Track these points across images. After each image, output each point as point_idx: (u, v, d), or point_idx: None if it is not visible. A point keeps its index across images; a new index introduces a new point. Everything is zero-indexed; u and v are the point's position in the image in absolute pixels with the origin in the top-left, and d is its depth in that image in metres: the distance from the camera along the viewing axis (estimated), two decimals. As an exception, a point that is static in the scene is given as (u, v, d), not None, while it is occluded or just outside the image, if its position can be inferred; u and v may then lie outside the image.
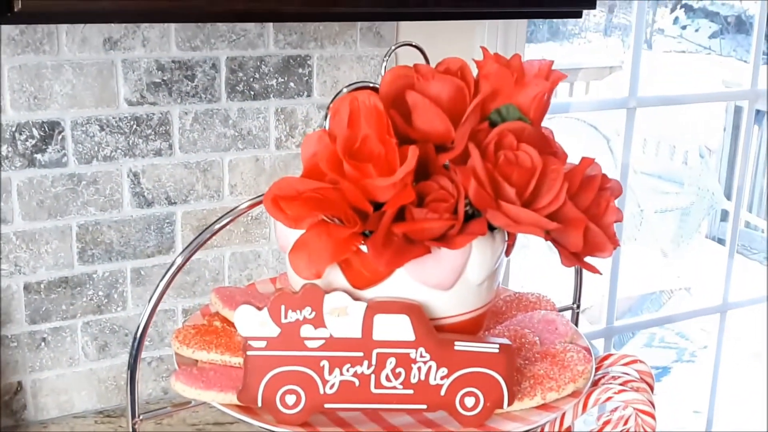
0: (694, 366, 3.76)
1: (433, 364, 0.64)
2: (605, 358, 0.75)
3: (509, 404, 0.65)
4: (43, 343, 1.12)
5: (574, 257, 0.66)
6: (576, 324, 0.87)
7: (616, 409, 0.75)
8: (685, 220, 4.31)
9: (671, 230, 4.20)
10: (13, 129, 1.04)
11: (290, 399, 0.64)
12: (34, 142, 1.05)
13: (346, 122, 0.62)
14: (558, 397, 0.68)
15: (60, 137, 1.06)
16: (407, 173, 0.59)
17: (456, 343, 0.64)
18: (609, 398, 0.70)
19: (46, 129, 1.06)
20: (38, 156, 1.06)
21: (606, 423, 0.75)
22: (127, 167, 1.11)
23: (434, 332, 0.64)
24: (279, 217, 0.62)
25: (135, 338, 0.66)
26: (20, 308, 1.10)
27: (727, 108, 4.39)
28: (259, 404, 0.63)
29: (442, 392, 0.64)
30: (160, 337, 1.19)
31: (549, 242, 0.63)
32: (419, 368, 0.64)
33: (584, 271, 0.86)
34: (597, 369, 0.75)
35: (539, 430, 0.74)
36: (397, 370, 0.64)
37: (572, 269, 0.86)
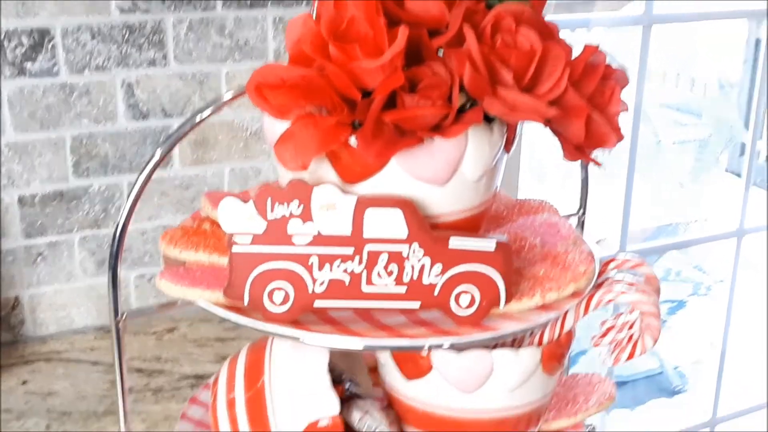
0: (710, 299, 3.74)
1: (427, 261, 0.61)
2: (609, 261, 0.72)
3: (506, 303, 0.62)
4: (39, 258, 1.10)
5: (576, 151, 0.62)
6: (581, 232, 0.84)
7: (620, 314, 0.72)
8: (703, 152, 4.25)
9: (689, 162, 4.14)
10: (2, 37, 1.01)
11: (278, 296, 0.61)
12: (23, 50, 1.02)
13: (333, 4, 0.58)
14: (558, 297, 0.65)
15: (50, 45, 1.03)
16: (396, 54, 0.55)
17: (451, 239, 0.61)
18: (612, 299, 0.67)
19: (36, 37, 1.02)
20: (28, 65, 1.03)
21: (610, 329, 0.72)
22: (120, 78, 1.08)
23: (428, 228, 0.61)
24: (263, 106, 0.59)
25: (114, 236, 0.64)
26: (15, 222, 1.08)
27: (748, 40, 4.31)
28: (246, 302, 0.61)
29: (436, 291, 0.62)
30: (159, 254, 1.17)
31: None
32: (412, 266, 0.61)
33: (590, 176, 0.82)
34: (601, 272, 0.72)
35: (540, 333, 0.71)
36: (389, 267, 0.61)
37: (578, 177, 0.83)
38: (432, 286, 0.62)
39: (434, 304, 0.62)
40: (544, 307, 0.65)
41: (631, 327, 0.71)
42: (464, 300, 0.62)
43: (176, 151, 1.13)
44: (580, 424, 0.78)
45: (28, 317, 1.12)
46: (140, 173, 0.62)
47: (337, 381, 0.73)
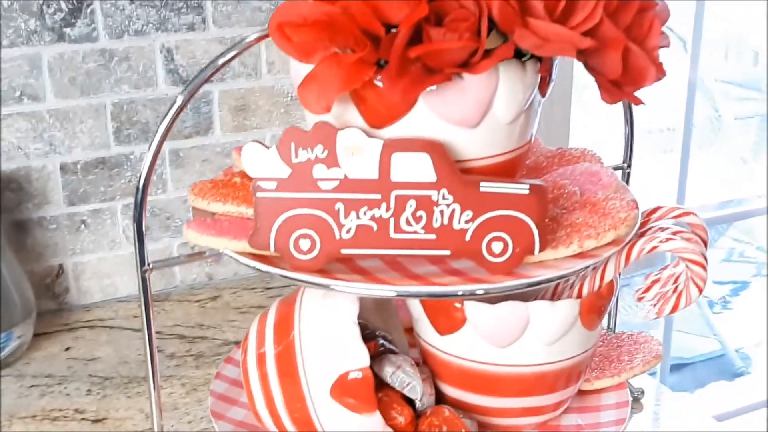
0: (774, 280, 3.64)
1: (457, 207, 0.59)
2: (653, 211, 0.69)
3: (541, 250, 0.60)
4: (82, 226, 1.11)
5: (614, 88, 0.59)
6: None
7: (666, 267, 0.69)
8: (765, 127, 4.13)
9: (751, 138, 4.03)
10: (41, 2, 1.00)
11: (304, 244, 0.59)
12: (62, 15, 1.02)
13: (356, -62, 0.56)
14: (597, 245, 0.62)
15: (89, 10, 1.03)
16: (420, -15, 0.53)
17: (482, 183, 0.59)
18: (654, 247, 0.64)
19: (75, 2, 1.02)
20: (67, 30, 1.02)
21: (654, 282, 0.69)
22: (159, 42, 1.07)
23: (458, 172, 0.59)
24: (286, 46, 0.57)
25: (138, 188, 0.63)
26: (57, 189, 1.08)
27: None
28: (272, 250, 0.59)
29: (467, 237, 0.59)
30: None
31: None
32: (441, 212, 0.59)
33: (635, 127, 0.79)
34: (644, 223, 0.68)
35: (579, 285, 0.68)
36: (418, 213, 0.59)
37: (622, 128, 0.80)
38: (462, 233, 0.59)
39: (465, 251, 0.60)
40: (581, 256, 0.62)
41: (676, 280, 0.68)
42: (496, 247, 0.60)
43: (216, 118, 1.13)
44: (624, 384, 0.75)
45: (73, 285, 1.13)
46: (163, 118, 0.61)
47: (370, 337, 0.72)
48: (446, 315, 0.66)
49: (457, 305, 0.65)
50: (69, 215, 1.10)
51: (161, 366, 1.00)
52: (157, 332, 1.07)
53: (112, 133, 1.09)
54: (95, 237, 1.12)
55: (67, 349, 1.03)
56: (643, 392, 0.89)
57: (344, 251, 0.60)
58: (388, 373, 0.67)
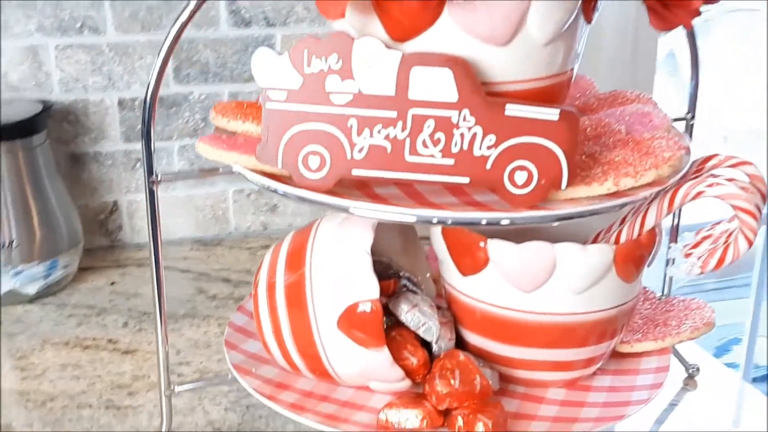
0: None
1: (479, 130, 0.54)
2: (708, 158, 0.63)
3: (569, 184, 0.55)
4: (138, 164, 1.10)
5: (665, 11, 0.54)
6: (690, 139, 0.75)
7: (719, 222, 0.63)
8: None
9: None
10: (105, -68, 1.00)
11: (314, 162, 0.56)
12: (126, -53, 1.01)
13: None
14: (635, 184, 0.56)
15: (153, -56, 1.02)
16: None
17: (507, 106, 0.54)
18: (700, 192, 0.58)
19: (139, -66, 1.01)
20: (130, -37, 1.01)
21: (706, 238, 0.62)
22: (222, -20, 1.05)
23: (482, 92, 0.54)
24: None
25: (146, 96, 0.60)
26: (115, 125, 1.08)
27: None
28: (280, 165, 0.56)
29: (488, 165, 0.55)
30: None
31: None
32: (462, 135, 0.55)
33: (700, 75, 0.72)
34: (697, 171, 0.62)
35: (617, 232, 0.63)
36: (436, 135, 0.55)
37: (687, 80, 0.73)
38: (483, 160, 0.55)
39: (485, 180, 0.55)
40: (617, 195, 0.56)
41: (729, 237, 0.62)
42: (520, 177, 0.55)
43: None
44: (668, 350, 0.69)
45: (126, 223, 1.12)
46: (174, 23, 0.59)
47: (392, 275, 0.68)
48: (469, 254, 0.62)
49: (481, 244, 0.61)
50: (125, 152, 1.09)
51: (202, 306, 0.98)
52: (203, 273, 1.06)
53: (171, 71, 1.07)
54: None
55: (112, 283, 1.03)
56: (698, 369, 0.83)
57: (355, 172, 0.56)
58: (403, 310, 0.63)
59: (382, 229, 0.70)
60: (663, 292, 0.79)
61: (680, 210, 0.76)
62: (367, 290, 0.59)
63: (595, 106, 0.69)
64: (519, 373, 0.65)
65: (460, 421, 0.59)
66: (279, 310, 0.62)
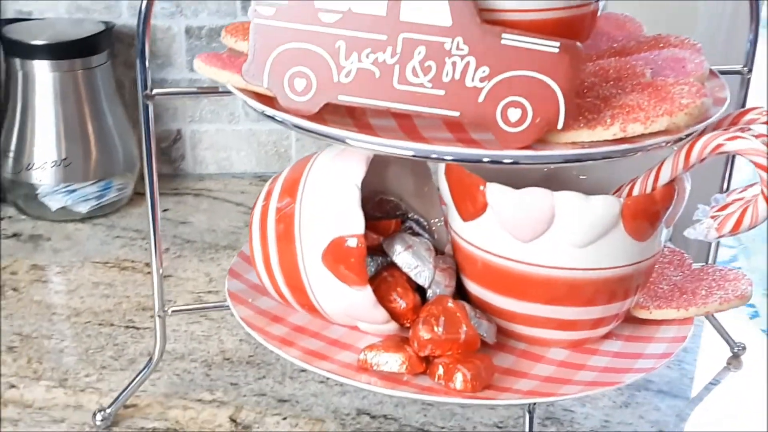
0: None
1: (472, 60, 0.50)
2: (745, 112, 0.57)
3: (569, 125, 0.50)
4: (203, 94, 1.10)
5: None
6: (745, 95, 0.68)
7: (753, 185, 0.57)
8: None
9: None
10: None
11: (299, 84, 0.53)
12: None
13: None
14: (644, 131, 0.51)
15: None
16: None
17: (504, 35, 0.50)
18: (719, 146, 0.52)
19: None
20: None
21: (736, 200, 0.56)
22: None
23: (477, 20, 0.50)
24: None
25: (140, 9, 0.59)
26: (181, 52, 1.08)
27: None
28: (265, 84, 0.54)
29: (481, 98, 0.51)
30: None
31: None
32: (454, 63, 0.51)
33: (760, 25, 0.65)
34: (732, 124, 0.56)
35: (629, 186, 0.58)
36: (427, 63, 0.51)
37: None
38: (476, 92, 0.51)
39: (477, 115, 0.51)
40: (623, 141, 0.52)
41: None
42: (513, 114, 0.51)
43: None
44: (690, 320, 0.64)
45: (189, 153, 1.12)
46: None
47: (398, 216, 0.65)
48: (470, 197, 0.58)
49: (481, 187, 0.57)
50: (190, 81, 1.09)
51: (245, 239, 0.97)
52: (243, 204, 1.05)
53: (239, 1, 1.06)
54: (215, 108, 1.10)
55: (165, 210, 1.04)
56: (744, 348, 0.77)
57: (341, 97, 0.53)
58: (396, 251, 0.60)
59: (394, 168, 0.67)
60: (707, 260, 0.73)
61: (730, 166, 0.70)
62: (352, 224, 0.56)
63: (633, 48, 0.63)
64: (520, 329, 0.61)
65: (440, 370, 0.56)
66: (269, 239, 0.61)
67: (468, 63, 0.51)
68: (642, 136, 0.52)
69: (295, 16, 0.52)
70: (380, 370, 0.57)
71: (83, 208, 0.99)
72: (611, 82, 0.57)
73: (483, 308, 0.62)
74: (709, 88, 0.58)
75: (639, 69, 0.57)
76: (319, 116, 0.54)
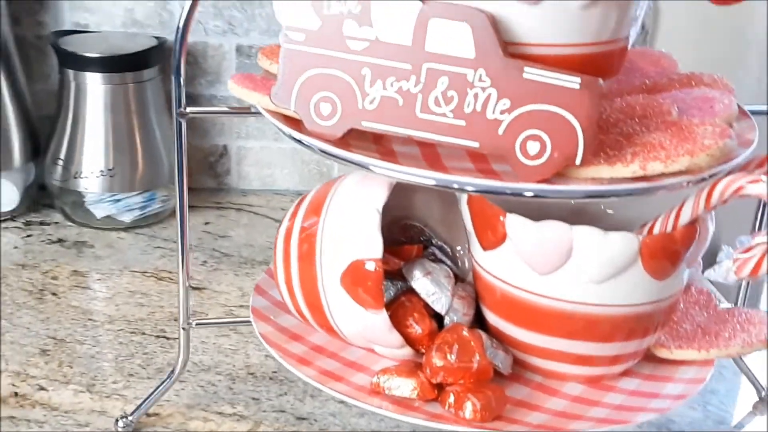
0: None
1: (494, 92, 0.51)
2: (773, 156, 0.56)
3: (588, 161, 0.50)
4: (252, 109, 1.12)
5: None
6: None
7: (780, 228, 0.56)
8: None
9: None
10: None
11: (325, 108, 0.54)
12: None
13: None
14: (664, 170, 0.51)
15: None
16: None
17: (526, 69, 0.50)
18: (740, 188, 0.51)
19: None
20: None
21: (760, 244, 0.56)
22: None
23: (500, 52, 0.51)
24: None
25: (178, 26, 0.60)
26: (231, 70, 1.10)
27: None
28: (293, 107, 0.55)
29: (501, 130, 0.51)
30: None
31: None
32: (476, 95, 0.51)
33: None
34: (758, 166, 0.56)
35: (651, 225, 0.57)
36: (449, 93, 0.52)
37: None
38: (496, 124, 0.51)
39: (496, 146, 0.52)
40: (643, 179, 0.52)
41: (784, 244, 0.55)
42: (532, 148, 0.51)
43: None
44: (711, 362, 0.63)
45: (234, 168, 1.14)
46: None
47: (425, 242, 0.66)
48: (490, 227, 0.58)
49: (501, 218, 0.57)
50: (238, 99, 1.11)
51: (267, 253, 0.99)
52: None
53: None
54: (261, 125, 1.13)
55: (207, 223, 1.06)
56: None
57: (365, 123, 0.54)
58: (415, 276, 0.60)
59: (421, 194, 0.68)
60: (736, 302, 0.72)
61: (762, 207, 0.69)
62: (371, 248, 0.57)
63: (666, 85, 0.63)
64: (536, 362, 0.61)
65: (451, 398, 0.57)
66: (292, 258, 0.62)
67: (489, 95, 0.51)
68: (662, 175, 0.51)
69: (324, 43, 0.54)
70: (392, 395, 0.58)
71: (127, 218, 1.02)
72: (636, 120, 0.57)
73: (500, 339, 0.62)
74: (738, 128, 0.58)
75: (666, 107, 0.57)
76: (344, 141, 0.55)
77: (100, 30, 1.06)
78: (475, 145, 0.52)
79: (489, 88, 0.51)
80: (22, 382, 0.73)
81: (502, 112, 0.51)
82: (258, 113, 0.61)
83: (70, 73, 0.98)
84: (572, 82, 0.50)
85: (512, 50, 0.52)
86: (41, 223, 1.03)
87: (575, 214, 0.66)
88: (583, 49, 0.53)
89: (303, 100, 0.55)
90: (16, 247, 0.97)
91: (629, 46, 0.58)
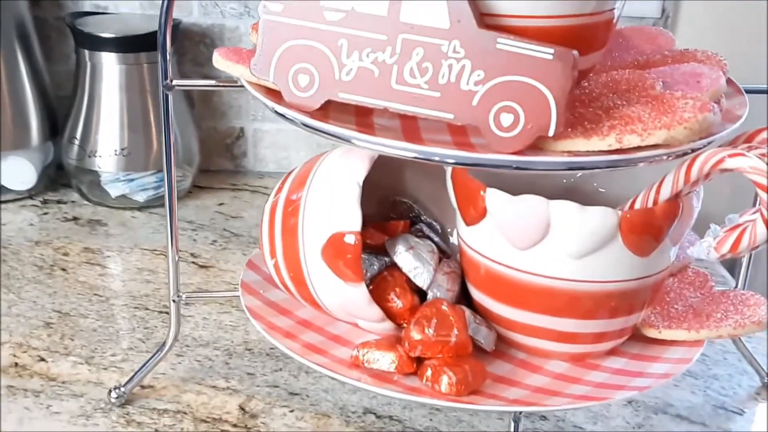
0: None
1: (468, 63, 0.51)
2: (759, 131, 0.55)
3: (557, 130, 0.50)
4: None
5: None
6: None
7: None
8: None
9: None
10: None
11: (303, 80, 0.54)
12: None
13: None
14: (640, 143, 0.50)
15: None
16: None
17: (499, 39, 0.50)
18: (719, 162, 0.50)
19: None
20: None
21: (747, 223, 0.54)
22: None
23: (474, 23, 0.50)
24: None
25: (162, 4, 0.61)
26: (246, 51, 1.10)
27: None
28: (271, 78, 0.55)
29: (474, 101, 0.51)
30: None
31: None
32: (450, 66, 0.51)
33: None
34: (745, 142, 0.55)
35: (632, 201, 0.57)
36: (424, 64, 0.52)
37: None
38: (470, 95, 0.51)
39: (470, 118, 0.51)
40: (617, 152, 0.51)
41: None
42: (505, 119, 0.51)
43: None
44: (701, 343, 0.62)
45: (250, 151, 1.15)
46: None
47: (414, 218, 0.66)
48: (472, 202, 0.58)
49: (482, 192, 0.57)
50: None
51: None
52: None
53: None
54: (277, 107, 1.13)
55: (221, 204, 1.07)
56: (775, 377, 0.74)
57: (342, 95, 0.54)
58: (398, 251, 0.60)
59: (410, 170, 0.67)
60: (737, 284, 0.71)
61: None
62: (349, 221, 0.57)
63: (658, 60, 0.62)
64: (520, 338, 0.61)
65: (428, 372, 0.56)
66: (276, 231, 0.62)
67: (464, 66, 0.51)
68: (639, 148, 0.51)
69: (301, 14, 0.54)
70: (371, 368, 0.58)
71: (141, 197, 1.03)
72: (618, 94, 0.56)
73: (484, 315, 0.62)
74: (728, 104, 0.57)
75: (649, 82, 0.56)
76: (326, 115, 0.55)
77: (118, 12, 1.07)
78: (450, 116, 0.52)
79: (463, 59, 0.51)
80: (24, 353, 0.75)
81: (476, 84, 0.51)
82: (242, 86, 0.61)
83: (86, 53, 1.00)
84: (545, 52, 0.49)
85: (490, 22, 0.52)
86: (58, 202, 1.04)
87: (568, 192, 0.66)
88: (564, 21, 0.53)
89: (281, 71, 0.55)
90: (31, 224, 0.98)
91: (616, 19, 0.57)
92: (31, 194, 1.04)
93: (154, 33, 0.99)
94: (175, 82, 0.63)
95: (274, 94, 0.57)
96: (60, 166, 1.06)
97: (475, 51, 0.51)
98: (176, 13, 1.08)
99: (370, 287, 0.59)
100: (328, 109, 0.55)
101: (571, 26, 0.53)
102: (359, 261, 0.57)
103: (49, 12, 1.08)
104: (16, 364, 0.73)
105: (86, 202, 1.04)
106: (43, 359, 0.74)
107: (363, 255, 0.61)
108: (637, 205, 0.56)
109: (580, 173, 0.67)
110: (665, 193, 0.54)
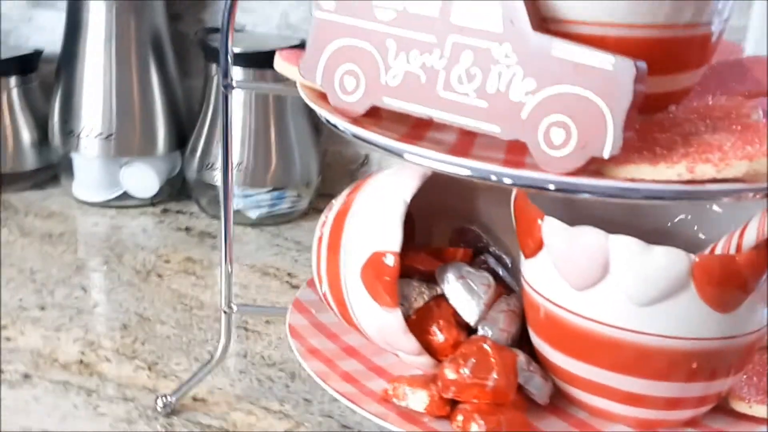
0: None
1: (519, 71, 0.45)
2: None
3: (613, 152, 0.43)
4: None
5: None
6: None
7: None
8: None
9: None
10: None
11: (349, 83, 0.50)
12: None
13: None
14: (716, 175, 0.43)
15: None
16: None
17: (555, 44, 0.44)
18: (810, 203, 0.42)
19: None
20: None
21: None
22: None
23: (529, 27, 0.45)
24: None
25: (225, 6, 0.59)
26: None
27: None
28: (318, 81, 0.51)
29: (524, 114, 0.45)
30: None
31: None
32: (500, 73, 0.45)
33: None
34: None
35: (712, 247, 0.48)
36: (473, 70, 0.46)
37: None
38: (519, 107, 0.45)
39: (518, 131, 0.45)
40: (690, 183, 0.43)
41: None
42: (556, 135, 0.44)
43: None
44: (802, 426, 0.52)
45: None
46: None
47: (481, 248, 0.60)
48: (530, 232, 0.52)
49: (539, 221, 0.51)
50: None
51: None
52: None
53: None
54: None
55: (334, 229, 1.04)
56: None
57: (387, 100, 0.49)
58: (447, 279, 0.55)
59: (483, 198, 0.62)
60: None
61: None
62: (389, 240, 0.52)
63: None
64: (580, 395, 0.53)
65: (459, 417, 0.50)
66: (322, 249, 0.58)
67: (514, 74, 0.45)
68: (713, 180, 0.43)
69: (353, 11, 0.50)
70: (401, 405, 0.52)
71: (254, 214, 1.02)
72: (708, 121, 0.48)
73: (543, 364, 0.55)
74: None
75: (746, 110, 0.48)
76: (377, 124, 0.51)
77: (255, 30, 1.08)
78: (497, 129, 0.46)
79: (514, 66, 0.45)
80: (92, 351, 0.74)
81: (527, 94, 0.45)
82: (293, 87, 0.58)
83: (213, 67, 1.00)
84: (604, 61, 0.43)
85: (554, 28, 0.46)
86: (177, 212, 1.05)
87: (664, 236, 0.58)
88: (640, 31, 0.46)
89: (329, 72, 0.51)
90: (144, 230, 0.99)
91: (716, 38, 0.49)
92: (153, 202, 1.06)
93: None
94: (235, 82, 0.60)
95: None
96: (185, 178, 1.07)
97: (528, 57, 0.45)
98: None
99: (413, 316, 0.54)
100: (381, 119, 0.51)
101: (650, 38, 0.46)
102: (395, 284, 0.52)
103: (190, 27, 1.10)
104: (81, 362, 0.73)
105: (203, 215, 1.04)
106: (108, 360, 0.73)
107: (414, 282, 0.55)
108: (718, 251, 0.48)
109: (680, 216, 0.59)
110: (749, 238, 0.46)
